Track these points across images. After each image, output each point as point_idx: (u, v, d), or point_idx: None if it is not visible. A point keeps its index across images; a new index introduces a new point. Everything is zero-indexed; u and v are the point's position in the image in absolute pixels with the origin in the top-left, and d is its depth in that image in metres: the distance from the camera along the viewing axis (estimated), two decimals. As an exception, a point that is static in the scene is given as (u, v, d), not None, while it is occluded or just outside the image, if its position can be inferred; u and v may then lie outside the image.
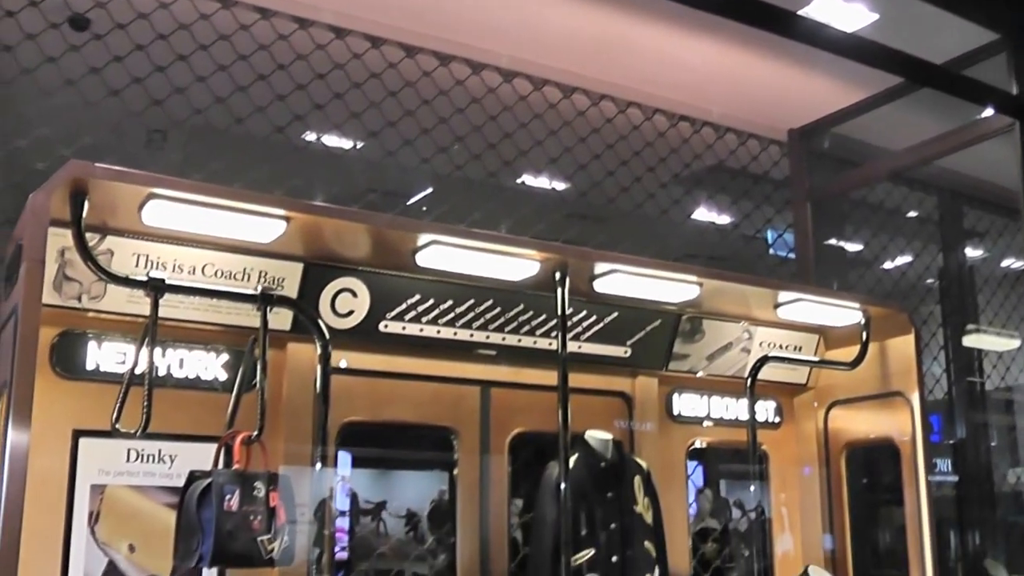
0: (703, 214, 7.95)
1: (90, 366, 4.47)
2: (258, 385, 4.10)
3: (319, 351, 3.99)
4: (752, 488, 6.34)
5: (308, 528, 4.30)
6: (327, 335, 4.00)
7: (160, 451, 4.52)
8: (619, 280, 4.95)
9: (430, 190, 6.93)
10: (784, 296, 5.55)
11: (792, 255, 7.57)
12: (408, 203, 7.34)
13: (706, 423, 6.12)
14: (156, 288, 3.84)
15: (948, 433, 7.76)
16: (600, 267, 4.90)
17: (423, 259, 4.65)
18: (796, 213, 7.13)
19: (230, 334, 4.68)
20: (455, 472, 5.30)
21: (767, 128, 7.26)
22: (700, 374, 5.93)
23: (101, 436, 4.34)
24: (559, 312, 4.74)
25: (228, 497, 3.87)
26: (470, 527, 5.26)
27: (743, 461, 6.56)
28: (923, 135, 6.76)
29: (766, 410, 6.27)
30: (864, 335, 5.83)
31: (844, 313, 5.76)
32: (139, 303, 4.38)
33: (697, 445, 6.11)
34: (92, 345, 4.49)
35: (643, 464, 5.25)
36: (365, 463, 4.37)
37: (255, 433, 4.04)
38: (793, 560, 6.23)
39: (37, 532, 4.10)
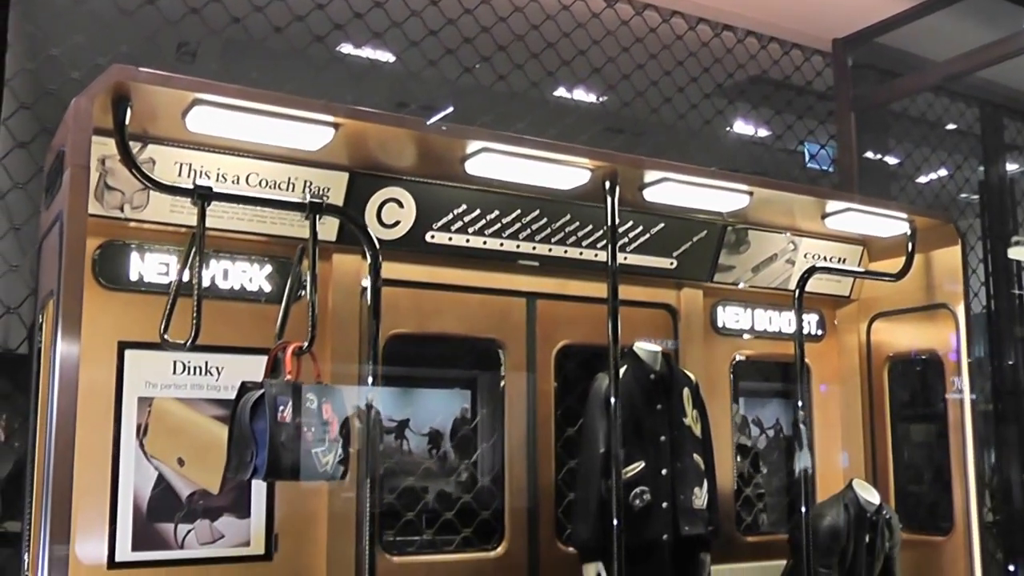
0: (743, 127, 7.71)
1: (133, 277, 4.33)
2: (308, 296, 3.94)
3: (369, 262, 3.81)
4: (767, 406, 6.24)
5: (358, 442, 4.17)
6: (377, 245, 3.82)
7: (207, 363, 4.39)
8: (669, 189, 4.76)
9: (468, 103, 6.69)
10: (832, 206, 5.35)
11: (830, 169, 7.35)
12: (445, 116, 7.15)
13: (746, 336, 5.95)
14: (203, 196, 3.65)
15: (987, 347, 7.57)
16: (651, 175, 4.71)
17: (473, 167, 4.47)
18: (839, 124, 6.88)
19: (275, 245, 4.54)
20: (478, 391, 5.20)
21: (811, 38, 6.99)
22: (743, 285, 5.75)
23: (147, 348, 4.25)
24: (609, 222, 4.55)
25: (281, 408, 3.72)
26: (517, 440, 5.14)
27: (765, 378, 6.44)
28: (967, 46, 6.50)
29: (808, 323, 6.10)
30: (909, 246, 5.64)
31: (890, 224, 5.56)
32: (182, 212, 4.24)
33: (739, 358, 5.96)
34: (135, 256, 4.34)
35: (691, 376, 5.09)
36: (388, 381, 4.25)
37: (306, 344, 3.88)
38: (835, 475, 6.09)
39: (86, 446, 3.96)
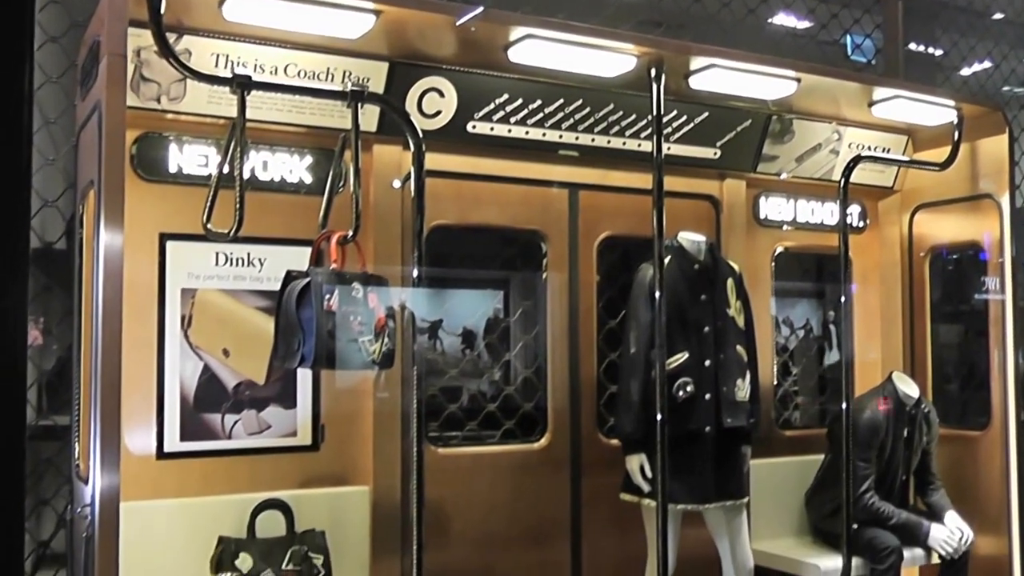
0: (784, 20, 7.48)
1: (172, 169, 4.25)
2: (351, 186, 3.85)
3: (412, 151, 3.70)
4: (797, 307, 6.14)
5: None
6: (420, 134, 3.71)
7: (249, 254, 4.33)
8: (716, 76, 4.60)
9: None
10: (880, 93, 5.18)
11: (873, 61, 7.13)
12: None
13: (787, 227, 5.83)
14: (242, 85, 3.53)
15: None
16: (698, 62, 4.55)
17: (516, 55, 4.32)
18: (886, 12, 6.64)
19: (314, 136, 4.44)
20: (510, 291, 5.13)
21: (858, -77, 6.74)
22: (786, 176, 5.61)
23: (189, 240, 4.18)
24: (654, 111, 4.41)
25: (328, 297, 3.65)
26: (559, 334, 5.07)
27: (798, 277, 6.32)
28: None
29: (851, 214, 5.97)
30: (956, 134, 5.47)
31: (936, 112, 5.39)
32: (219, 104, 4.15)
33: (780, 250, 5.84)
34: (173, 148, 4.25)
35: (735, 267, 4.98)
36: (427, 279, 4.18)
37: (350, 233, 3.80)
38: (874, 367, 6.02)
39: (130, 338, 3.92)
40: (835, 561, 5.09)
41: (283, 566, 3.98)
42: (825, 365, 6.30)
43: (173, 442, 4.16)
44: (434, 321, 5.30)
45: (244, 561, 3.94)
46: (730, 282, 4.84)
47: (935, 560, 5.35)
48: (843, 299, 5.12)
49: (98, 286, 3.31)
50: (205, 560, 3.97)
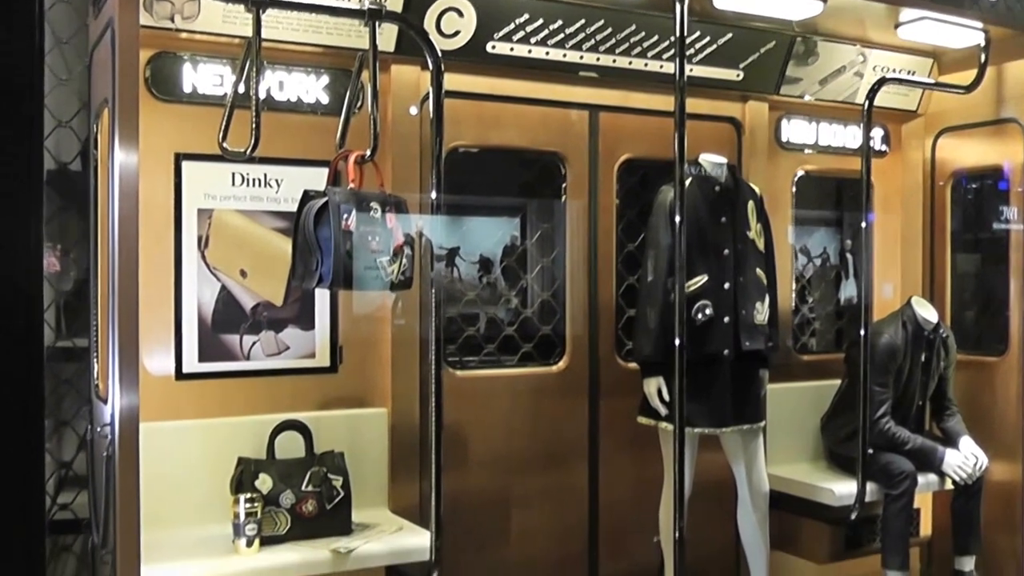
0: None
1: (187, 88, 4.15)
2: (368, 106, 3.77)
3: (431, 71, 3.61)
4: (814, 235, 6.05)
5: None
6: (439, 54, 3.61)
7: (265, 175, 4.25)
8: (741, -7, 4.48)
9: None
10: (907, 14, 5.02)
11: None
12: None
13: (807, 150, 5.72)
14: (258, 4, 3.44)
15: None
16: (723, -22, 4.42)
17: (537, -28, 4.20)
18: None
19: (331, 56, 4.34)
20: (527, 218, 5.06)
21: None
22: (809, 98, 5.49)
23: (205, 160, 4.11)
24: (677, 32, 4.26)
25: (345, 216, 3.59)
26: (578, 257, 5.00)
27: (817, 205, 6.22)
28: None
29: (873, 138, 5.81)
30: (982, 57, 5.31)
31: (963, 34, 5.23)
32: (234, 23, 4.06)
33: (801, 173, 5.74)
34: (188, 67, 4.15)
35: (756, 189, 4.88)
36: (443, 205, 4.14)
37: (368, 152, 3.72)
38: (893, 291, 5.94)
39: (147, 258, 3.88)
40: (850, 486, 5.06)
41: (302, 487, 3.96)
42: (842, 294, 6.21)
43: (192, 363, 4.12)
44: (451, 248, 5.23)
45: (264, 482, 3.91)
46: (751, 205, 4.75)
47: (949, 486, 5.32)
48: (864, 223, 5.03)
49: (114, 206, 3.25)
50: (225, 481, 3.95)
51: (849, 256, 6.23)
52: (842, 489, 5.08)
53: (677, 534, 4.34)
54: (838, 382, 5.51)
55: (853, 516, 5.03)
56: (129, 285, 3.21)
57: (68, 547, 4.32)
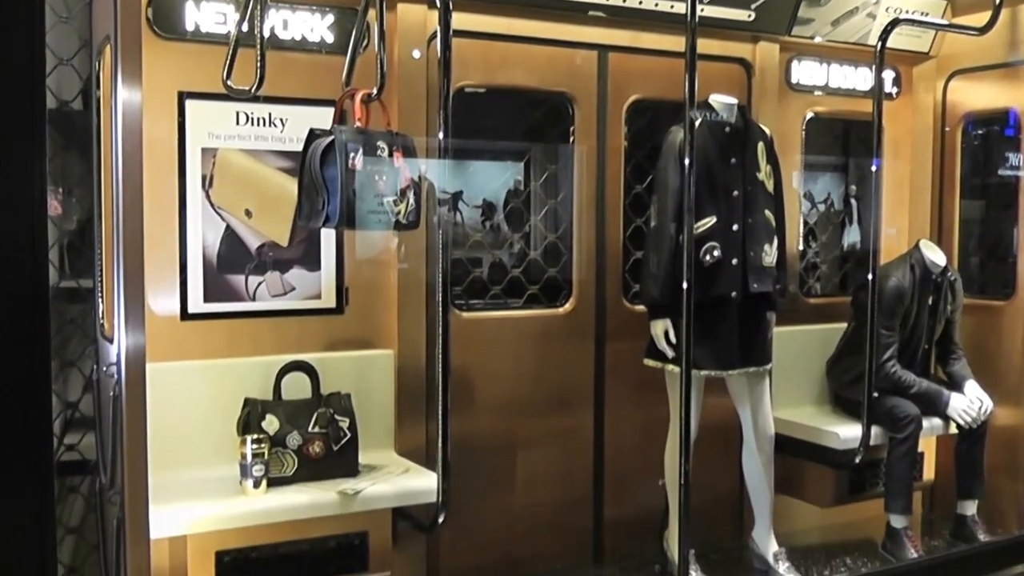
0: None
1: (190, 26, 4.05)
2: (375, 45, 3.69)
3: (439, 9, 3.52)
4: (819, 181, 5.98)
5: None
6: (446, -11, 3.53)
7: (270, 114, 4.17)
8: (753, -69, 4.37)
9: None
10: (922, -47, 4.93)
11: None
12: None
13: (817, 92, 5.63)
14: (261, -61, 3.37)
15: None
16: (735, -85, 4.31)
17: (545, -93, 4.10)
18: None
19: (336, -8, 4.24)
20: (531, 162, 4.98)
21: None
22: (820, 40, 5.39)
23: (208, 99, 4.03)
24: (688, -31, 4.18)
25: (352, 155, 3.53)
26: (585, 199, 4.93)
27: (830, 145, 6.15)
28: None
29: (883, 80, 5.72)
30: (997, -1, 5.22)
31: (978, -26, 5.15)
32: (237, -41, 3.94)
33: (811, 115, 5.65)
34: (190, 4, 4.06)
35: (766, 130, 4.80)
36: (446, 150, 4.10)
37: (375, 91, 3.65)
38: (900, 235, 5.88)
39: (152, 198, 3.79)
40: (854, 429, 5.04)
41: (309, 428, 3.93)
42: (845, 240, 6.16)
43: (197, 303, 4.07)
44: (454, 192, 5.16)
45: (271, 423, 3.88)
46: (760, 146, 4.67)
47: (953, 430, 5.31)
48: (874, 166, 4.97)
49: (117, 145, 3.18)
50: (232, 422, 3.92)
51: (854, 202, 6.17)
52: (847, 433, 5.06)
53: (682, 477, 4.35)
54: (844, 325, 5.47)
55: (857, 460, 5.02)
56: (134, 224, 3.15)
57: (75, 488, 4.30)
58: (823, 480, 5.30)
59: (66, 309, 4.36)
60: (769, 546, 4.87)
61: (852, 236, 6.16)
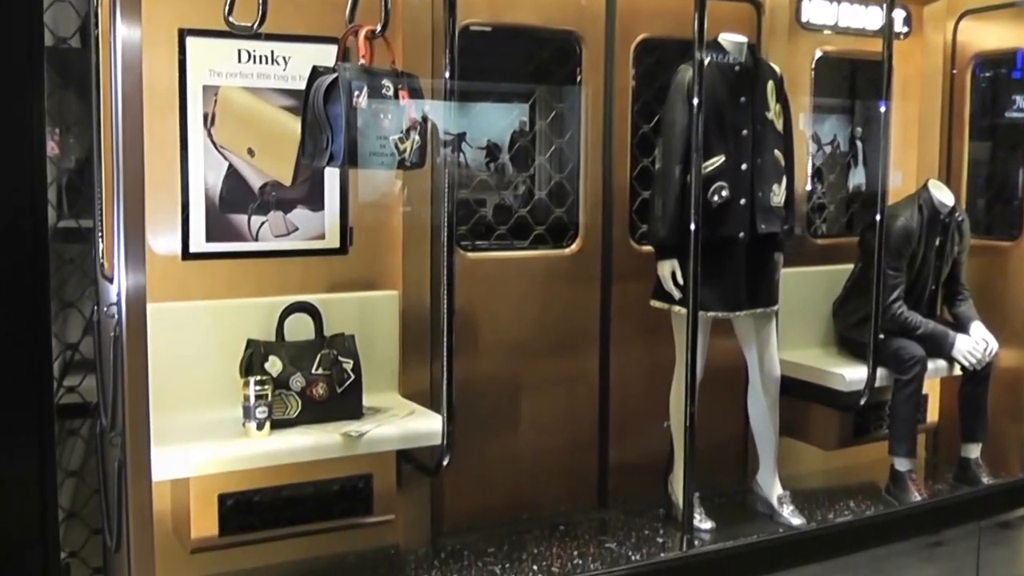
0: None
1: (190, -40, 3.93)
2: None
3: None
4: (825, 123, 5.87)
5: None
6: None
7: (272, 52, 4.06)
8: None
9: None
10: None
11: None
12: None
13: (827, 31, 5.50)
14: None
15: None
16: None
17: None
18: None
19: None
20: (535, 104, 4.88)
21: None
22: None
23: (210, 36, 3.92)
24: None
25: (356, 93, 3.45)
26: (592, 139, 4.82)
27: (838, 86, 6.03)
28: None
29: (894, 19, 5.60)
30: (1011, -67, 5.10)
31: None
32: None
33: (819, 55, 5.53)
34: (190, -61, 3.93)
35: (776, 68, 4.67)
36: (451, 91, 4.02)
37: (379, 27, 3.55)
38: (909, 176, 5.78)
39: (152, 136, 3.67)
40: (860, 371, 4.99)
41: (313, 370, 3.86)
42: (851, 182, 6.06)
43: (199, 243, 3.99)
44: (457, 133, 5.03)
45: (274, 364, 3.82)
46: (770, 84, 4.56)
47: (957, 372, 5.25)
48: (882, 106, 4.86)
49: (116, 83, 3.08)
50: (234, 363, 3.85)
51: (859, 143, 6.06)
52: (852, 374, 5.00)
53: (687, 420, 4.31)
54: (851, 267, 5.39)
55: (863, 401, 4.97)
56: (134, 164, 3.05)
57: (75, 431, 4.24)
58: (828, 422, 5.24)
59: (65, 249, 4.27)
60: (773, 489, 4.83)
61: (857, 178, 6.06)
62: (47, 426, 2.72)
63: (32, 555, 3.29)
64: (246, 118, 4.02)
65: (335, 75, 3.45)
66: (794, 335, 5.26)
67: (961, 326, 5.29)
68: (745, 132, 4.44)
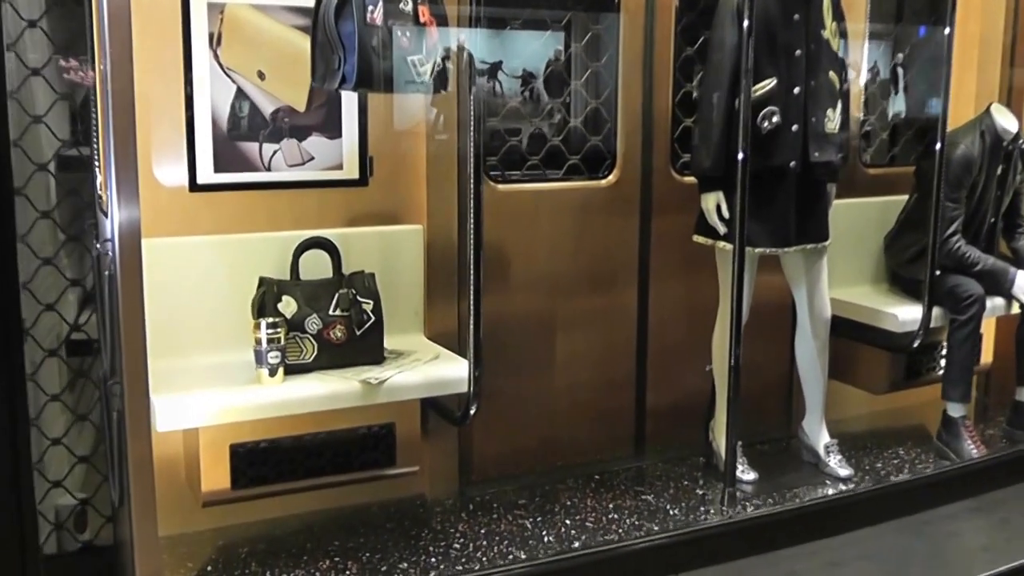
0: None
1: None
2: None
3: None
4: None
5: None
6: None
7: (283, -35, 3.66)
8: None
9: None
10: None
11: None
12: None
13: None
14: None
15: None
16: None
17: None
18: None
19: None
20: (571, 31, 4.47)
21: None
22: None
23: (214, -55, 3.52)
24: None
25: (371, 8, 3.07)
26: (632, 60, 4.40)
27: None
28: None
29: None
30: None
31: None
32: None
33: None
34: None
35: (832, -18, 4.23)
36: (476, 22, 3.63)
37: (398, -65, 3.15)
38: (963, 102, 5.32)
39: (153, 57, 3.45)
40: (914, 311, 4.60)
41: (330, 311, 3.52)
42: (890, 109, 5.60)
43: (206, 173, 3.62)
44: (493, 63, 4.62)
45: (288, 305, 3.47)
46: (826, 0, 4.11)
47: (1015, 310, 4.86)
48: (948, 28, 4.42)
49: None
50: (245, 303, 3.51)
51: (899, 70, 5.59)
52: (906, 314, 4.61)
53: (732, 363, 3.95)
54: (904, 198, 4.97)
55: (916, 344, 4.59)
56: (122, 83, 2.70)
57: (86, 372, 3.93)
58: (878, 365, 4.87)
59: (71, 179, 3.93)
60: (820, 437, 4.48)
61: (897, 105, 5.60)
62: (16, 372, 2.42)
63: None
64: (255, 38, 3.62)
65: (348, -13, 3.07)
66: (843, 271, 4.85)
67: (1021, 262, 4.88)
68: (798, 52, 4.01)
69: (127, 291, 2.80)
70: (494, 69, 4.61)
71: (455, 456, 4.17)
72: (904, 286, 4.92)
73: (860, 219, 5.01)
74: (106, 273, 2.93)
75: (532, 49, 4.68)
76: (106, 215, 2.99)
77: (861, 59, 5.28)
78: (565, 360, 4.43)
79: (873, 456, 4.66)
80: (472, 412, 3.51)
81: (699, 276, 4.36)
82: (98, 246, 3.13)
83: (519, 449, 4.37)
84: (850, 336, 4.74)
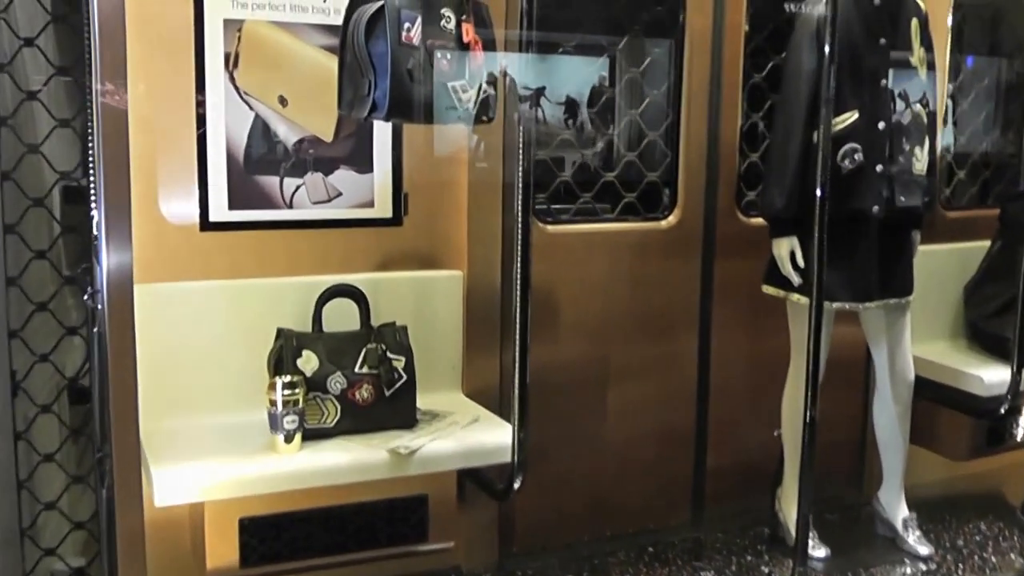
0: None
1: None
2: None
3: None
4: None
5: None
6: None
7: (310, -22, 3.25)
8: None
9: None
10: None
11: None
12: None
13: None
14: None
15: None
16: None
17: None
18: None
19: None
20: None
21: None
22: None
23: (234, -43, 3.12)
24: None
25: (407, 26, 2.63)
26: (696, 88, 3.95)
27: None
28: None
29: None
30: None
31: None
32: None
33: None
34: None
35: (921, 3, 3.74)
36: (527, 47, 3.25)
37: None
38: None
39: (162, 80, 3.07)
40: (1001, 372, 4.07)
41: (356, 368, 3.07)
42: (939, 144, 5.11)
43: (220, 210, 3.20)
44: (537, 88, 4.20)
45: (308, 360, 3.03)
46: (915, 23, 3.64)
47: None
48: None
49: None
50: (261, 357, 3.09)
51: (949, 101, 5.11)
52: (992, 376, 4.09)
53: (806, 429, 3.46)
54: (986, 244, 4.49)
55: (1004, 409, 4.07)
56: (115, 108, 2.30)
57: (86, 429, 3.53)
58: (959, 430, 4.36)
59: (78, 212, 3.54)
60: (899, 511, 3.98)
61: (946, 138, 5.11)
62: None
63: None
64: (277, 59, 3.22)
65: (380, 3, 2.63)
66: (918, 325, 4.29)
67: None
68: (884, 82, 3.54)
69: (116, 350, 2.40)
70: (537, 96, 4.18)
71: (495, 525, 3.72)
72: (986, 342, 4.42)
73: (938, 267, 4.51)
74: (95, 330, 2.52)
75: (577, 74, 4.27)
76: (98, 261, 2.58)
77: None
78: (617, 417, 3.99)
79: (952, 530, 4.19)
80: (516, 486, 3.04)
81: (766, 327, 3.93)
82: (87, 300, 2.72)
83: (565, 516, 3.93)
84: (928, 397, 4.23)
